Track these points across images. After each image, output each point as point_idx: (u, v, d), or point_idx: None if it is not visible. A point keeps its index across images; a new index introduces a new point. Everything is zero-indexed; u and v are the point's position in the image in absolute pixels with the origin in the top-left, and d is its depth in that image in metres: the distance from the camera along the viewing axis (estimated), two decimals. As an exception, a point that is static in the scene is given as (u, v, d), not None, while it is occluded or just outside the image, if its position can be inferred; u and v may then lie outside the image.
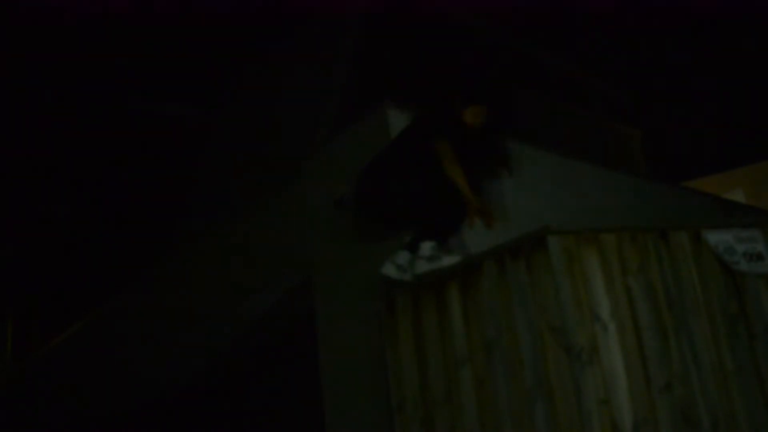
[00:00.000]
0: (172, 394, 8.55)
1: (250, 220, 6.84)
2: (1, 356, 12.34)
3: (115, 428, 9.24)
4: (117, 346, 8.65)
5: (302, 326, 5.99)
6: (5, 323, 12.56)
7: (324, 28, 7.85)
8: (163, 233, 9.88)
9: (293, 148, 6.86)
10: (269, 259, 6.42)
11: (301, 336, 6.05)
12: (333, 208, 5.49)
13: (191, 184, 9.72)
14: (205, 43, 10.26)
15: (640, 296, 3.71)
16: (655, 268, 3.77)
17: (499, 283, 3.95)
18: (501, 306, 3.91)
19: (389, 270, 4.39)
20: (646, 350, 3.61)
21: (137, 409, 8.95)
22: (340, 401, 5.26)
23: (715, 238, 3.84)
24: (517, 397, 3.75)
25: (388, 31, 7.43)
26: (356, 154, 5.54)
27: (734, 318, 3.73)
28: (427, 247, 4.31)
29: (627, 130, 9.35)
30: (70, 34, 10.25)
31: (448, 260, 4.28)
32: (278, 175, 6.71)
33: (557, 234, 3.78)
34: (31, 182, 12.27)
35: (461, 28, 8.23)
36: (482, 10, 8.41)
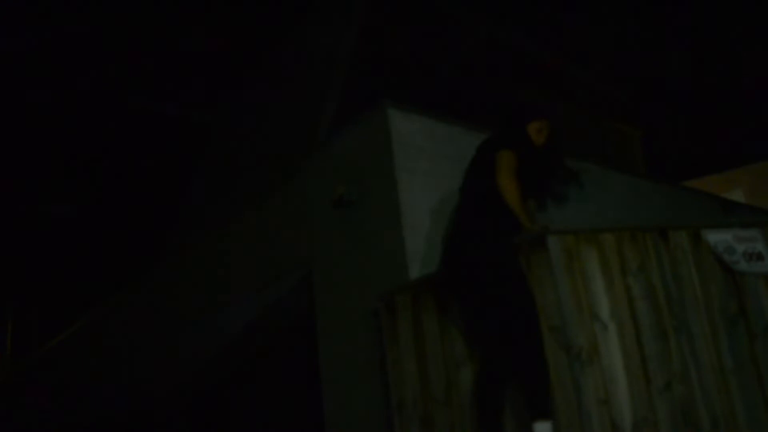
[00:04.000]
0: (172, 393, 8.55)
1: (250, 220, 6.85)
2: (1, 356, 12.34)
3: (114, 428, 9.24)
4: (116, 346, 8.66)
5: (302, 325, 6.00)
6: (5, 323, 12.57)
7: (324, 28, 7.85)
8: (163, 233, 9.88)
9: (293, 147, 6.87)
10: (269, 258, 6.42)
11: (301, 335, 6.05)
12: (333, 208, 5.50)
13: (192, 184, 9.72)
14: (205, 43, 10.26)
15: (639, 296, 3.70)
16: (654, 267, 3.77)
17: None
18: (501, 306, 3.90)
19: None
20: (646, 350, 3.60)
21: (136, 409, 8.95)
22: (339, 400, 5.26)
23: (715, 237, 3.83)
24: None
25: (388, 31, 7.44)
26: (356, 154, 5.55)
27: (734, 318, 3.72)
28: None
29: (627, 130, 9.35)
30: (72, 35, 10.25)
31: None
32: (278, 175, 6.72)
33: (557, 234, 3.77)
34: (31, 182, 12.27)
35: (461, 28, 8.23)
36: (483, 11, 8.41)
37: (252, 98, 8.94)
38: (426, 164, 5.19)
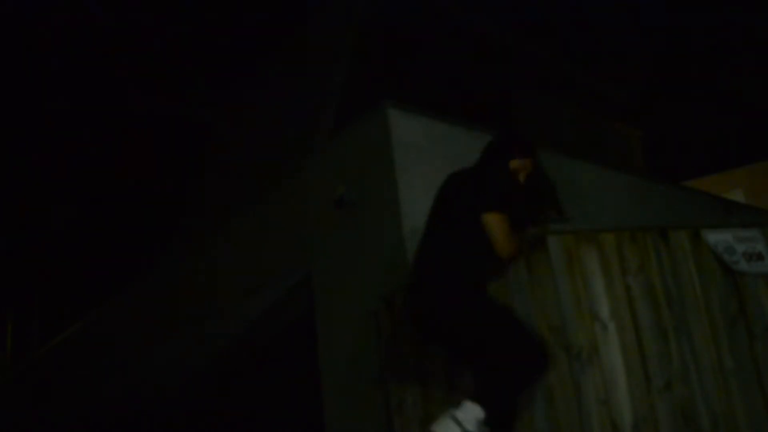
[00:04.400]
0: (172, 395, 8.55)
1: (250, 220, 6.85)
2: (1, 356, 12.34)
3: (113, 428, 9.24)
4: (116, 347, 8.66)
5: (302, 326, 5.99)
6: (5, 323, 12.56)
7: (324, 29, 7.86)
8: (164, 233, 9.89)
9: (293, 147, 6.87)
10: (269, 258, 6.42)
11: (301, 336, 6.05)
12: (333, 208, 5.50)
13: (192, 184, 9.73)
14: (204, 44, 10.26)
15: (639, 296, 3.70)
16: (654, 267, 3.77)
17: (498, 282, 3.94)
18: (501, 306, 3.90)
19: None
20: (645, 350, 3.60)
21: (136, 410, 8.95)
22: (339, 401, 5.26)
23: (715, 237, 3.83)
24: (517, 396, 3.74)
25: (387, 32, 7.44)
26: (356, 154, 5.55)
27: (734, 318, 3.72)
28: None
29: (627, 130, 9.35)
30: (72, 34, 10.25)
31: None
32: (278, 175, 6.72)
33: (557, 234, 3.78)
34: (31, 183, 12.27)
35: (461, 28, 8.23)
36: (483, 10, 8.41)
37: (252, 98, 8.95)
38: (426, 164, 5.19)
